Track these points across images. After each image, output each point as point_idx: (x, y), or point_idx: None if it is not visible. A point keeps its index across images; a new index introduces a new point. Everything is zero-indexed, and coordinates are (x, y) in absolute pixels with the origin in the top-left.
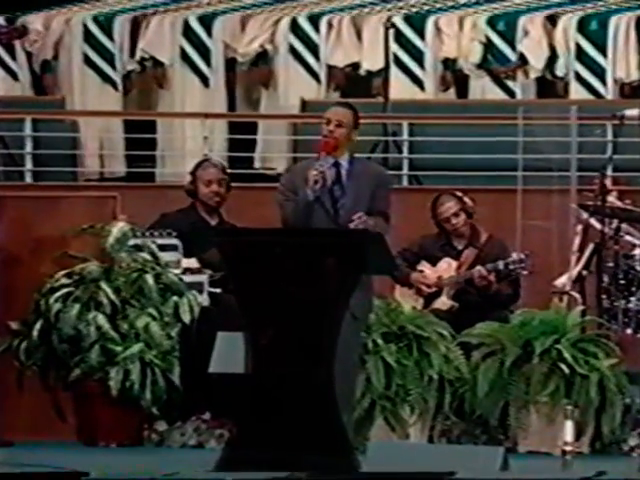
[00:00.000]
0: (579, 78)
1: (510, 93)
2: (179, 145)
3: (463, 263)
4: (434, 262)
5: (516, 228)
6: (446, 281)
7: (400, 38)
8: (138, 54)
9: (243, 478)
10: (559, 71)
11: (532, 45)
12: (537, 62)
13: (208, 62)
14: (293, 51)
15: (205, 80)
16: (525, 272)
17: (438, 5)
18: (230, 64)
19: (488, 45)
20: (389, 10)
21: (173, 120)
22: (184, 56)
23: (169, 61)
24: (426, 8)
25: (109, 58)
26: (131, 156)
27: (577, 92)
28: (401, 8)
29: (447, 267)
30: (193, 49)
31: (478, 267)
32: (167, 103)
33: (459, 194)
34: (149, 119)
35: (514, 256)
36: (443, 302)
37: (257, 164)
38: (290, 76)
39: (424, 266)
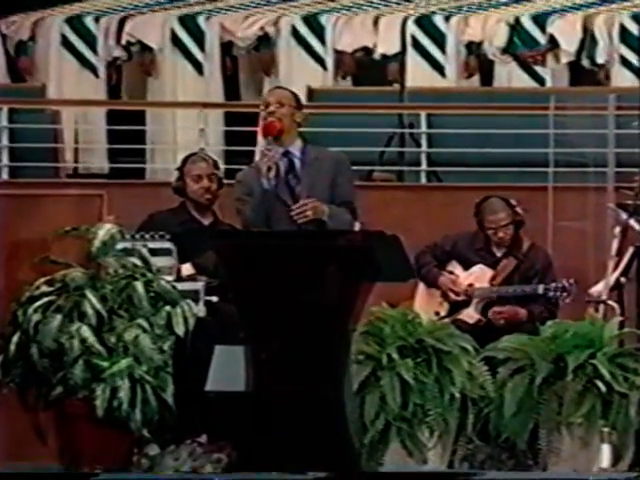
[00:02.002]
0: (624, 62)
1: (539, 80)
2: (171, 138)
3: (499, 273)
4: (466, 265)
5: (547, 230)
6: (477, 293)
7: (419, 18)
8: (124, 38)
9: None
10: (599, 57)
11: (565, 26)
12: (569, 45)
13: (202, 47)
14: (296, 34)
15: (199, 67)
16: (567, 300)
17: (467, 4)
18: (227, 49)
19: (515, 27)
20: (413, 8)
21: (164, 111)
22: (175, 40)
23: (158, 46)
24: (455, 5)
25: (90, 41)
26: (118, 150)
27: (622, 78)
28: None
29: (480, 275)
30: (186, 32)
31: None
32: (157, 93)
33: (513, 202)
34: (138, 110)
35: (557, 283)
36: (470, 315)
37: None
38: (294, 62)
39: (455, 267)
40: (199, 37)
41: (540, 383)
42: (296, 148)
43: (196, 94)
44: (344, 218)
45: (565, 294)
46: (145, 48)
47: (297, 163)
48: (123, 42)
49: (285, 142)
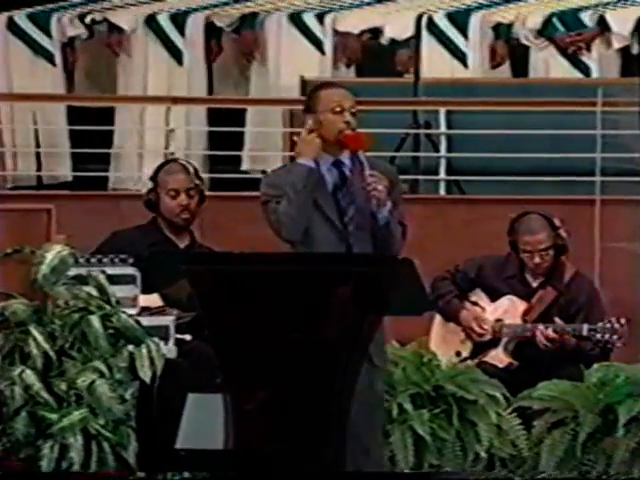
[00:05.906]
0: None
1: (583, 70)
2: (136, 141)
3: (534, 307)
4: (494, 296)
5: (593, 251)
6: (507, 330)
7: None
8: (89, 17)
9: None
10: None
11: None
12: (622, 28)
13: (182, 30)
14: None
15: (178, 55)
16: (618, 344)
17: None
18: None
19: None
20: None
21: (128, 107)
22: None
23: (129, 27)
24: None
25: (43, 24)
26: (73, 156)
27: None
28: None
29: (510, 308)
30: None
31: (541, 326)
32: (127, 84)
33: (557, 222)
34: (97, 106)
35: (605, 323)
36: (499, 357)
37: (245, 165)
38: (286, 47)
39: (479, 297)
40: (180, 17)
41: (585, 439)
42: (345, 157)
43: (171, 87)
44: (398, 235)
45: (615, 337)
46: (113, 29)
47: (348, 175)
48: (87, 20)
49: (335, 151)
